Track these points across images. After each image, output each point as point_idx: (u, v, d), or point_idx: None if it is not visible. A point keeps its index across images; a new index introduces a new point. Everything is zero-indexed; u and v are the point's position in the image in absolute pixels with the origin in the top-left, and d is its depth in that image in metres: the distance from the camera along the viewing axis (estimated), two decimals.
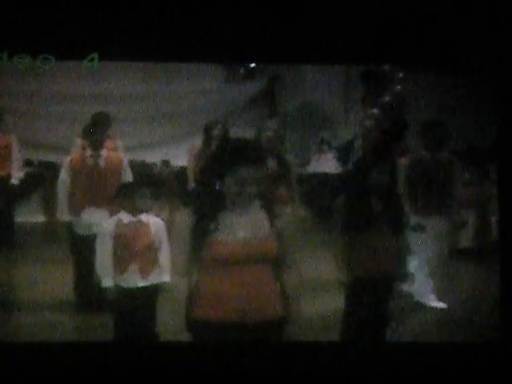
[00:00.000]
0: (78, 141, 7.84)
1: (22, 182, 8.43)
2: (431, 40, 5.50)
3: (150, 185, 5.68)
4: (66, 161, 6.74)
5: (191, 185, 8.11)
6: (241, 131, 9.10)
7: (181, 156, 9.34)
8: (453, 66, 5.77)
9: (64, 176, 6.62)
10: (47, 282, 7.13)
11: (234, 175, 3.64)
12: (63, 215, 6.62)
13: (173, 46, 5.38)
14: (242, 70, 11.24)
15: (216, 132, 8.39)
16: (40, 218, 9.43)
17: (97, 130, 6.66)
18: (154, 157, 9.87)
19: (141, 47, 5.35)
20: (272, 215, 3.78)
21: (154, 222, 5.40)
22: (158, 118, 10.42)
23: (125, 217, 5.36)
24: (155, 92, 10.43)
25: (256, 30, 5.40)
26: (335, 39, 5.39)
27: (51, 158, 9.61)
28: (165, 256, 5.37)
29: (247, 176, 3.64)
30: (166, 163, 9.72)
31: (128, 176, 6.59)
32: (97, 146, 6.58)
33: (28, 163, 9.00)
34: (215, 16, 5.31)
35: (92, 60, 5.31)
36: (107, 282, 5.38)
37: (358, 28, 5.41)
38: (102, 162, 6.57)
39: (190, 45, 5.34)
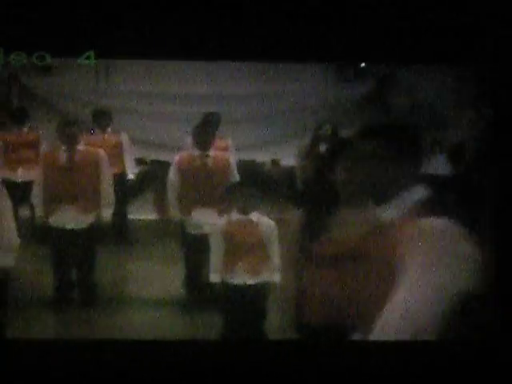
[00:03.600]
0: (190, 140, 7.98)
1: (136, 180, 8.60)
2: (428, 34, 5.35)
3: (259, 184, 5.70)
4: (174, 160, 6.82)
5: (300, 184, 8.11)
6: (350, 131, 9.05)
7: (290, 155, 9.37)
8: (450, 59, 5.60)
9: (172, 175, 6.70)
10: (158, 279, 7.27)
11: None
12: (173, 214, 6.70)
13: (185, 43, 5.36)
14: (351, 69, 11.13)
15: (324, 132, 8.36)
16: (152, 216, 9.62)
17: (205, 130, 6.71)
18: (263, 156, 9.91)
19: (143, 44, 5.34)
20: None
21: (264, 221, 5.42)
22: (267, 117, 10.44)
23: (235, 215, 5.40)
24: (265, 91, 10.44)
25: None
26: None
27: (163, 157, 9.80)
28: (275, 255, 5.39)
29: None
30: (275, 162, 9.75)
31: (235, 176, 6.63)
32: (205, 145, 6.62)
33: (141, 162, 9.17)
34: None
35: (88, 58, 5.31)
36: (216, 278, 5.46)
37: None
38: (209, 162, 6.61)
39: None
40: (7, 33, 5.09)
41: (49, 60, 5.25)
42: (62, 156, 6.54)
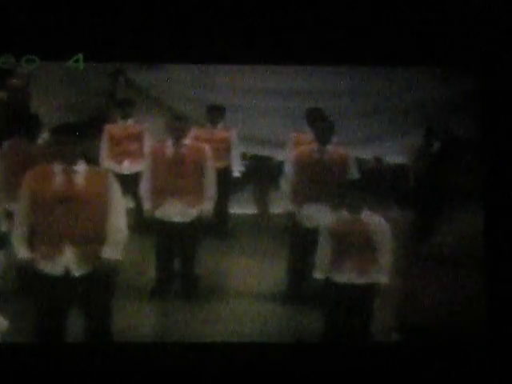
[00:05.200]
0: (294, 136, 7.96)
1: (240, 174, 8.63)
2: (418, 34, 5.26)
3: (369, 183, 5.63)
4: (291, 155, 6.85)
5: (410, 182, 7.98)
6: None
7: (394, 152, 9.26)
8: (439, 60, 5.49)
9: (289, 169, 6.70)
10: (259, 273, 7.29)
11: None
12: (287, 207, 6.69)
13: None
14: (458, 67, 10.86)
15: (438, 131, 8.23)
16: (253, 210, 9.65)
17: (324, 125, 6.68)
18: (366, 153, 9.80)
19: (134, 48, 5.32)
20: None
21: (376, 221, 5.36)
22: (371, 113, 10.32)
23: (346, 214, 5.37)
24: (367, 88, 10.34)
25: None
26: None
27: (265, 152, 9.83)
28: (385, 256, 5.32)
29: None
30: (378, 160, 9.61)
31: (354, 172, 6.58)
32: (322, 140, 6.60)
33: (243, 157, 9.18)
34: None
35: (77, 61, 5.27)
36: (320, 275, 5.46)
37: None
38: (326, 158, 6.58)
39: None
40: None
41: (38, 63, 5.29)
42: (170, 150, 6.62)
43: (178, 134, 6.60)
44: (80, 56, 5.30)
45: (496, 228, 4.84)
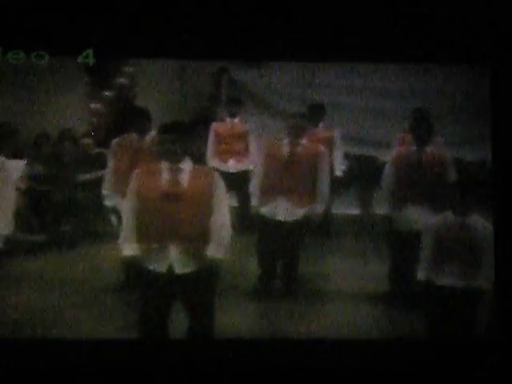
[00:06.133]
0: (399, 136, 7.88)
1: (342, 174, 8.60)
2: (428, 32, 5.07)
3: (472, 186, 5.54)
4: (391, 155, 6.79)
5: None
6: None
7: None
8: (450, 57, 5.28)
9: (388, 170, 6.66)
10: (360, 274, 7.27)
11: None
12: (386, 208, 6.66)
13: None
14: None
15: None
16: (355, 211, 9.62)
17: (422, 125, 6.60)
18: (470, 155, 9.65)
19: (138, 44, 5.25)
20: None
21: (481, 225, 5.30)
22: (476, 114, 10.14)
23: (451, 216, 5.32)
24: (473, 88, 10.16)
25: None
26: None
27: (370, 152, 9.77)
28: (488, 262, 5.25)
29: None
30: (482, 162, 9.43)
31: (451, 175, 6.47)
32: (421, 141, 6.53)
33: (346, 156, 9.15)
34: None
35: (87, 57, 5.20)
36: (423, 276, 5.42)
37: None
38: (425, 159, 6.50)
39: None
40: (6, 31, 5.17)
41: (47, 59, 5.28)
42: (286, 148, 6.65)
43: (296, 133, 6.62)
44: (90, 51, 5.33)
45: None
